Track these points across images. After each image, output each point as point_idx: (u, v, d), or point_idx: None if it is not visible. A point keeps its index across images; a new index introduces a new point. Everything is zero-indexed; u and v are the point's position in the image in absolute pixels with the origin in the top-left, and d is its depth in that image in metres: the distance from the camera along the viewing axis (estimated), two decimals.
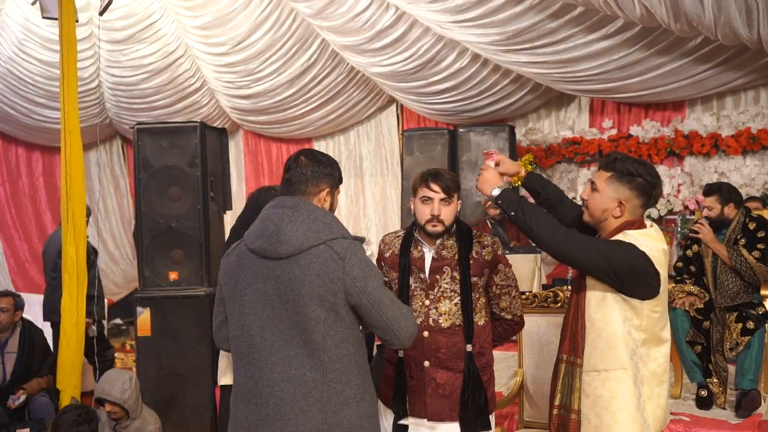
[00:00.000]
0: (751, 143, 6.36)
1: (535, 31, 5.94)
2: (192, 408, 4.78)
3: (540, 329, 3.53)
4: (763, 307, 4.23)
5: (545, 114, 7.63)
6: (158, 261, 4.90)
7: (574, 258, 2.38)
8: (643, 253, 2.28)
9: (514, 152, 7.05)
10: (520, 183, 2.77)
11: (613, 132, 7.11)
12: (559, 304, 3.49)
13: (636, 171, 2.37)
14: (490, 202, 6.22)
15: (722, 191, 4.39)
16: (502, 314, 2.76)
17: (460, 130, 7.01)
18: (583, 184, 7.27)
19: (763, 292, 4.42)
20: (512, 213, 2.43)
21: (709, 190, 4.45)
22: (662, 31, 5.58)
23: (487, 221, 6.34)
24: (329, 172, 2.26)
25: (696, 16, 4.90)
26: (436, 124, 7.89)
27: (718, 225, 4.38)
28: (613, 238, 2.36)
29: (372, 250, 8.64)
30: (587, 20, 5.73)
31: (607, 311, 2.35)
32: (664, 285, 2.35)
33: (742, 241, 4.26)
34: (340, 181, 2.33)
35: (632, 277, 2.28)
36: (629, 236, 2.33)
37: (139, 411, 3.97)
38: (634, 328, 2.33)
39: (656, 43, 5.80)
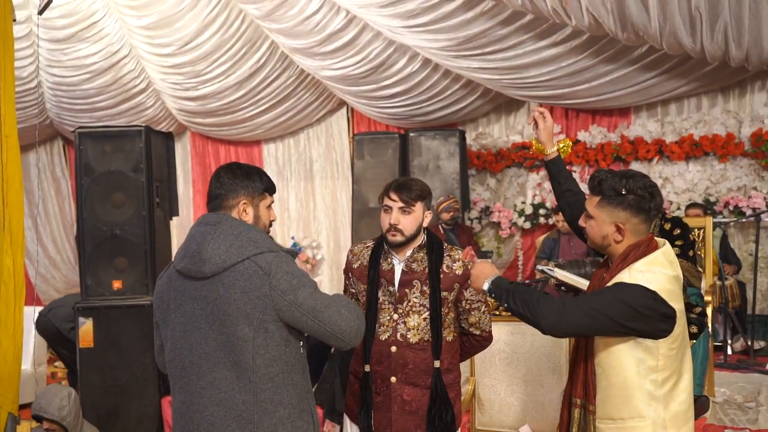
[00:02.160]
0: (693, 149, 6.53)
1: (486, 37, 5.97)
2: (136, 421, 4.66)
3: None
4: (700, 307, 4.34)
5: (495, 119, 7.68)
6: (101, 269, 4.76)
7: (580, 329, 2.20)
8: (653, 293, 2.08)
9: (465, 156, 7.09)
10: (562, 152, 2.69)
11: (562, 137, 7.19)
12: (510, 312, 3.49)
13: (626, 188, 2.19)
14: (442, 206, 6.27)
15: None
16: (470, 329, 2.72)
17: (411, 134, 7.01)
18: (532, 189, 7.36)
19: (707, 298, 4.53)
20: (505, 304, 2.29)
21: None
22: (609, 39, 5.68)
23: (440, 226, 6.35)
24: (246, 183, 2.19)
25: (642, 26, 5.00)
26: (386, 128, 7.87)
27: None
28: (615, 278, 2.17)
29: (323, 254, 8.60)
30: (537, 27, 5.79)
31: (617, 357, 2.17)
32: (681, 317, 2.17)
33: None
34: (267, 190, 2.25)
35: (643, 322, 2.10)
36: (634, 272, 2.14)
37: (80, 428, 3.83)
38: (650, 370, 2.14)
39: (603, 51, 5.90)
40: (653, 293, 2.08)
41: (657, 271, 2.13)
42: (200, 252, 2.05)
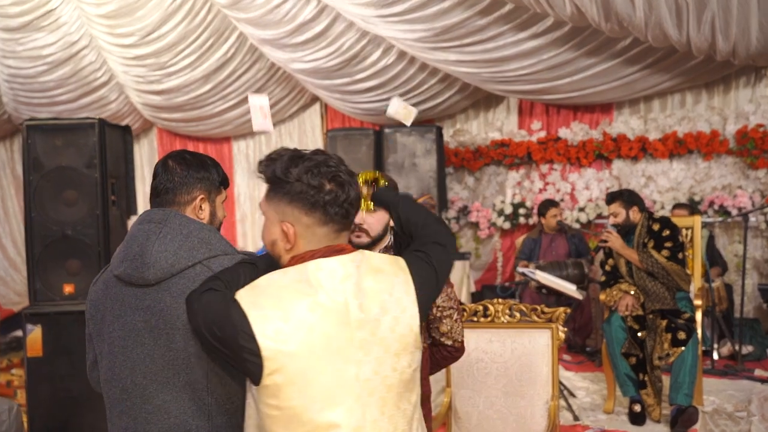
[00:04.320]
0: (677, 147, 6.35)
1: (464, 28, 5.75)
2: None
3: (468, 345, 3.28)
4: (688, 313, 4.18)
5: (473, 115, 7.47)
6: (51, 272, 4.45)
7: None
8: (239, 311, 1.50)
9: (442, 153, 6.86)
10: (371, 208, 2.13)
11: (542, 134, 7.00)
12: (489, 318, 3.28)
13: (294, 172, 1.55)
14: None
15: (623, 196, 4.48)
16: (442, 339, 2.45)
17: (386, 130, 6.78)
18: (511, 187, 7.13)
19: (696, 302, 4.34)
20: None
21: (611, 197, 4.50)
22: (592, 31, 5.49)
23: None
24: (203, 175, 1.90)
25: (627, 16, 4.80)
26: (361, 124, 7.63)
27: (627, 231, 4.39)
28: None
29: None
30: (517, 18, 5.59)
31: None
32: (310, 364, 1.48)
33: (650, 244, 4.26)
34: (223, 184, 1.97)
35: (227, 349, 1.52)
36: (255, 287, 1.56)
37: None
38: (253, 427, 1.58)
39: (586, 43, 5.71)
40: (240, 313, 1.50)
41: (272, 285, 1.54)
42: (143, 255, 1.76)
